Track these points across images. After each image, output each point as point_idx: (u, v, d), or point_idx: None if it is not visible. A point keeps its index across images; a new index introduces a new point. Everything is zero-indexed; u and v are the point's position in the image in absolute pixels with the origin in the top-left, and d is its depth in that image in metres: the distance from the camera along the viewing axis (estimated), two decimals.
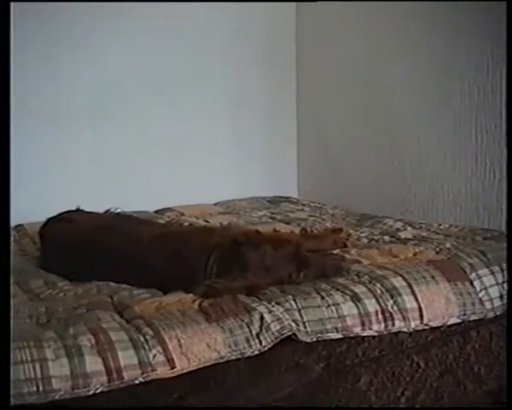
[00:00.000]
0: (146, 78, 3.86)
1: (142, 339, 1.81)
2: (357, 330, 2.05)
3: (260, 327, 1.93)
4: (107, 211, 2.96)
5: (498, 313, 2.27)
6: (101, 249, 2.48)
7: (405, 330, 2.11)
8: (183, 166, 4.04)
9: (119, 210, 3.00)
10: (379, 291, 2.14)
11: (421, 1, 3.35)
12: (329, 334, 2.01)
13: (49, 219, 2.87)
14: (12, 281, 2.31)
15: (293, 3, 4.26)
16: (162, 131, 3.94)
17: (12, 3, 1.93)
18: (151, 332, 1.83)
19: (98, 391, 1.70)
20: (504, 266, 2.35)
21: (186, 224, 3.21)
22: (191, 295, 2.10)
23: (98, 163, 3.78)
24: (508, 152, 2.28)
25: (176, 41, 3.92)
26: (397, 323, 2.10)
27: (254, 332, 1.91)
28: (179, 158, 4.02)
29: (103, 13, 3.66)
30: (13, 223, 3.20)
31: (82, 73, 3.69)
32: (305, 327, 1.99)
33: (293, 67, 4.33)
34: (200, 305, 2.01)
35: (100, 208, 2.96)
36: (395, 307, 2.12)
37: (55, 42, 3.58)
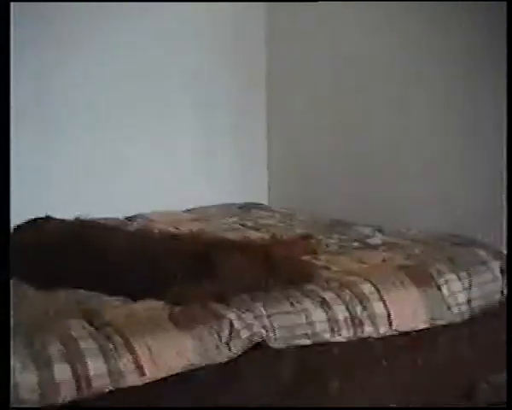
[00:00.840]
0: (119, 78, 3.82)
1: (111, 347, 1.80)
2: (327, 336, 2.07)
3: (230, 334, 1.93)
4: (77, 218, 2.94)
5: (466, 318, 2.30)
6: (70, 257, 2.45)
7: (374, 335, 2.13)
8: (154, 173, 4.01)
9: (88, 217, 2.97)
10: (348, 297, 2.16)
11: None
12: (299, 340, 2.03)
13: (18, 226, 2.84)
14: None
15: (263, 3, 4.23)
16: (132, 137, 3.92)
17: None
18: (120, 340, 1.83)
19: (67, 400, 1.69)
20: (472, 270, 2.38)
21: (156, 231, 3.19)
22: (161, 302, 2.09)
23: (75, 169, 3.75)
24: (507, 153, 2.32)
25: (145, 46, 3.90)
26: (366, 328, 2.12)
27: (224, 339, 1.92)
28: (149, 164, 3.99)
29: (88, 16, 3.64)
30: None
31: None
32: (275, 334, 2.00)
33: (263, 71, 4.33)
34: (170, 312, 2.01)
35: (70, 215, 2.93)
36: (364, 313, 2.14)
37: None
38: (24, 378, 1.67)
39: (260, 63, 4.32)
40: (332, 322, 2.08)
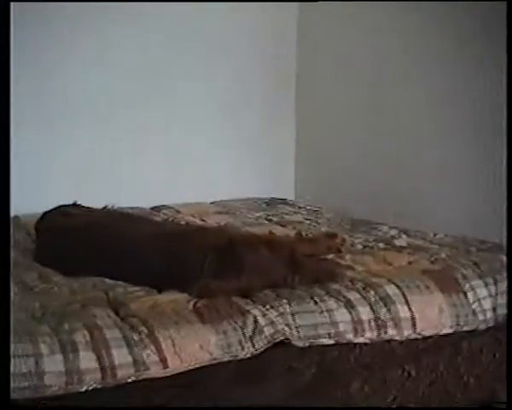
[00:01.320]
0: (145, 77, 3.87)
1: (136, 338, 1.81)
2: (350, 336, 2.07)
3: (254, 330, 1.94)
4: (105, 207, 2.97)
5: (490, 325, 2.29)
6: (97, 245, 2.48)
7: (398, 338, 2.12)
8: (180, 164, 4.03)
9: (116, 206, 3.00)
10: (373, 299, 2.15)
11: (424, 1, 3.34)
12: (322, 339, 2.03)
13: (46, 213, 2.87)
14: None
15: (296, 4, 4.23)
16: (160, 129, 3.95)
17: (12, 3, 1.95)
18: (145, 331, 1.84)
19: (91, 388, 1.71)
20: (498, 277, 2.36)
21: (183, 222, 3.22)
22: (186, 295, 2.10)
23: (96, 160, 3.79)
24: (508, 153, 2.32)
25: (173, 41, 3.93)
26: (389, 331, 2.12)
27: (248, 335, 1.92)
28: (176, 156, 4.02)
29: (96, 14, 3.68)
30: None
31: (82, 71, 3.73)
32: (298, 332, 2.00)
33: (294, 67, 4.32)
34: (194, 305, 2.02)
35: (96, 205, 2.96)
36: (388, 316, 2.13)
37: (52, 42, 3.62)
38: (50, 364, 1.69)
39: (290, 62, 4.32)
40: (356, 323, 2.08)
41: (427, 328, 2.16)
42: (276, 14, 4.22)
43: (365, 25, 3.81)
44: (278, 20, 4.24)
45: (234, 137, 4.23)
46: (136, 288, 2.24)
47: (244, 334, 1.92)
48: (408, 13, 3.51)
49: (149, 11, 3.79)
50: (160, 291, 2.20)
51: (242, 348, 1.90)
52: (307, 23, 4.22)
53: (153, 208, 3.75)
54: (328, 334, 2.04)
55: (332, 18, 4.04)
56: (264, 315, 1.99)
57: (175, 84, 3.96)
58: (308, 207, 3.93)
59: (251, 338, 1.92)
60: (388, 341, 2.12)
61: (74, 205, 2.98)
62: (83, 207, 2.96)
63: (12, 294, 2.16)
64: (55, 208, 2.88)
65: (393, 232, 3.05)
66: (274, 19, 4.22)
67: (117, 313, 1.98)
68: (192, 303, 2.04)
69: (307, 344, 2.00)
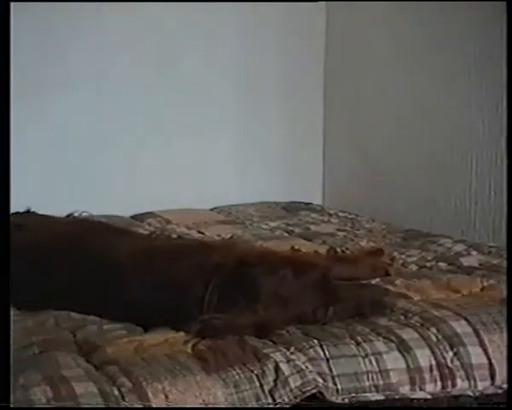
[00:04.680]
0: (145, 63, 4.10)
1: (116, 393, 1.80)
2: (405, 390, 2.05)
3: (275, 381, 1.92)
4: (70, 215, 2.96)
5: None
6: (60, 267, 2.47)
7: (470, 393, 2.10)
8: (173, 158, 4.06)
9: (85, 214, 2.99)
10: (434, 339, 2.14)
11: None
12: (367, 394, 2.01)
13: None
14: None
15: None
16: (150, 114, 4.04)
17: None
18: (129, 384, 1.82)
19: None
20: None
21: (174, 236, 3.21)
22: (182, 333, 2.10)
23: (63, 153, 3.84)
24: (508, 153, 2.35)
25: (186, 20, 4.15)
26: (459, 383, 2.09)
27: (267, 388, 1.91)
28: (168, 147, 4.05)
29: None
30: None
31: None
32: (335, 384, 1.99)
33: (322, 48, 4.47)
34: (194, 348, 2.01)
35: (60, 211, 2.96)
36: (456, 362, 2.11)
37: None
38: None
39: (319, 53, 4.49)
40: (412, 371, 2.06)
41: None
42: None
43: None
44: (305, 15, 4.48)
45: (244, 125, 4.28)
46: (115, 325, 2.23)
47: (262, 386, 1.90)
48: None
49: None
50: (146, 329, 2.19)
51: (261, 406, 1.88)
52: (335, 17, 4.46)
53: (134, 217, 3.75)
54: (375, 386, 2.02)
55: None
56: (288, 361, 1.97)
57: (182, 67, 4.18)
58: (341, 215, 3.93)
59: (271, 392, 1.90)
60: (457, 396, 2.09)
61: (28, 213, 2.97)
62: (39, 215, 2.95)
63: None
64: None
65: (460, 247, 3.04)
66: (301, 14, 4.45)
67: (88, 360, 1.97)
68: (191, 345, 2.02)
69: (347, 400, 1.98)
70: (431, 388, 2.07)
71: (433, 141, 3.84)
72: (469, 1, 3.52)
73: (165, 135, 4.09)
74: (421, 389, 2.06)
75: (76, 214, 2.97)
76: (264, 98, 4.38)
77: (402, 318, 2.24)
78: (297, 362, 1.98)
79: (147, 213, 3.79)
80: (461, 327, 2.18)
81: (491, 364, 2.13)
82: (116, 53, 4.04)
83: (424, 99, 3.90)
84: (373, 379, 2.02)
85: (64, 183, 3.78)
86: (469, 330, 2.18)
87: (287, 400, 1.91)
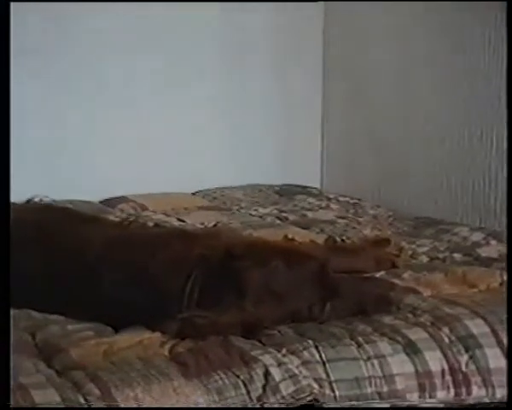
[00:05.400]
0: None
1: (81, 401, 1.81)
2: (413, 397, 2.06)
3: (264, 388, 1.93)
4: (30, 201, 2.96)
5: None
6: (18, 259, 2.47)
7: (487, 400, 2.11)
8: (148, 134, 4.06)
9: (46, 200, 3.00)
10: (447, 340, 2.15)
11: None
12: (370, 401, 2.02)
13: None
14: None
15: None
16: (123, 84, 4.08)
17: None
18: (96, 391, 1.83)
19: None
20: None
21: (150, 223, 3.21)
22: (159, 334, 2.11)
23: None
24: (508, 152, 2.47)
25: None
26: (474, 390, 2.11)
27: (255, 395, 1.92)
28: (141, 121, 4.05)
29: None
30: None
31: None
32: (333, 390, 1.99)
33: (321, 9, 4.51)
34: (172, 350, 2.02)
35: (16, 196, 2.96)
36: (472, 366, 2.12)
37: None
38: None
39: (318, 15, 4.49)
40: (421, 376, 2.07)
41: None
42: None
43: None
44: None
45: (231, 97, 4.28)
46: (81, 325, 2.24)
47: (249, 393, 1.91)
48: None
49: None
50: (117, 330, 2.20)
51: None
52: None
53: (104, 202, 3.75)
54: (379, 394, 2.03)
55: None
56: (279, 364, 1.98)
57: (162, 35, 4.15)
58: (342, 199, 3.94)
59: (260, 400, 1.91)
60: (472, 405, 2.11)
61: None
62: None
63: None
64: None
65: (477, 236, 3.06)
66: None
67: (50, 365, 1.98)
68: (168, 347, 2.03)
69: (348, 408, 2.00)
70: (442, 395, 2.09)
71: (447, 114, 3.82)
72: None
73: (140, 107, 4.06)
74: (431, 397, 2.07)
75: (36, 200, 2.98)
76: (255, 65, 4.37)
77: (410, 316, 2.25)
78: (289, 366, 1.99)
79: (118, 197, 3.78)
80: (477, 327, 2.19)
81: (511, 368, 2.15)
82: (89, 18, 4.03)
83: (438, 66, 3.89)
84: (376, 385, 2.03)
85: (21, 162, 3.76)
86: (487, 330, 2.19)
87: (278, 407, 1.92)
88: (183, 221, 3.40)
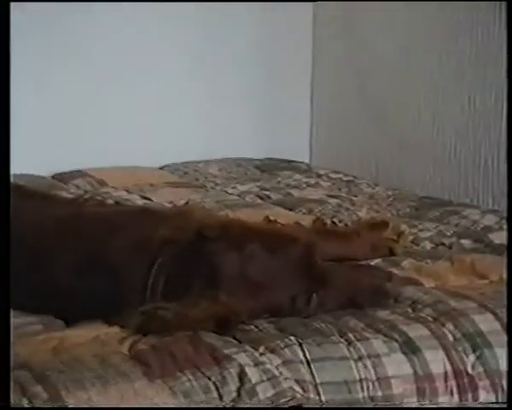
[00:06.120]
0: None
1: (26, 405, 1.81)
2: (411, 401, 2.07)
3: (239, 391, 1.94)
4: None
5: None
6: None
7: (497, 405, 2.12)
8: (108, 101, 4.07)
9: None
10: (451, 337, 2.16)
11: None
12: (362, 407, 2.03)
13: None
14: None
15: None
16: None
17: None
18: (43, 394, 1.83)
19: None
20: None
21: (110, 201, 3.21)
22: (117, 329, 2.11)
23: None
24: (508, 152, 2.64)
25: None
26: (481, 394, 2.12)
27: (228, 399, 1.92)
28: (101, 88, 4.06)
29: None
30: None
31: None
32: (319, 394, 2.00)
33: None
34: (132, 347, 2.02)
35: None
36: (479, 368, 2.13)
37: None
38: None
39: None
40: (421, 379, 2.08)
41: None
42: None
43: None
44: None
45: (201, 58, 4.31)
46: (27, 318, 2.26)
47: (221, 397, 1.92)
48: None
49: None
50: (69, 323, 2.21)
51: None
52: None
53: (56, 177, 3.75)
54: (372, 399, 2.04)
55: None
56: (256, 364, 1.99)
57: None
58: (334, 176, 3.95)
59: (234, 403, 1.92)
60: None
61: None
62: None
63: None
64: None
65: (489, 220, 3.08)
66: None
67: None
68: (128, 344, 2.04)
69: None
70: (445, 401, 2.09)
71: (454, 78, 3.84)
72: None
73: (99, 74, 4.07)
74: (431, 403, 2.08)
75: None
76: (237, 27, 4.38)
77: (409, 310, 2.27)
78: (268, 366, 2.00)
79: (74, 171, 3.79)
80: (486, 323, 2.21)
81: None
82: None
83: (443, 24, 3.91)
84: (369, 389, 2.04)
85: None
86: (497, 326, 2.20)
87: None
88: (149, 199, 3.41)
